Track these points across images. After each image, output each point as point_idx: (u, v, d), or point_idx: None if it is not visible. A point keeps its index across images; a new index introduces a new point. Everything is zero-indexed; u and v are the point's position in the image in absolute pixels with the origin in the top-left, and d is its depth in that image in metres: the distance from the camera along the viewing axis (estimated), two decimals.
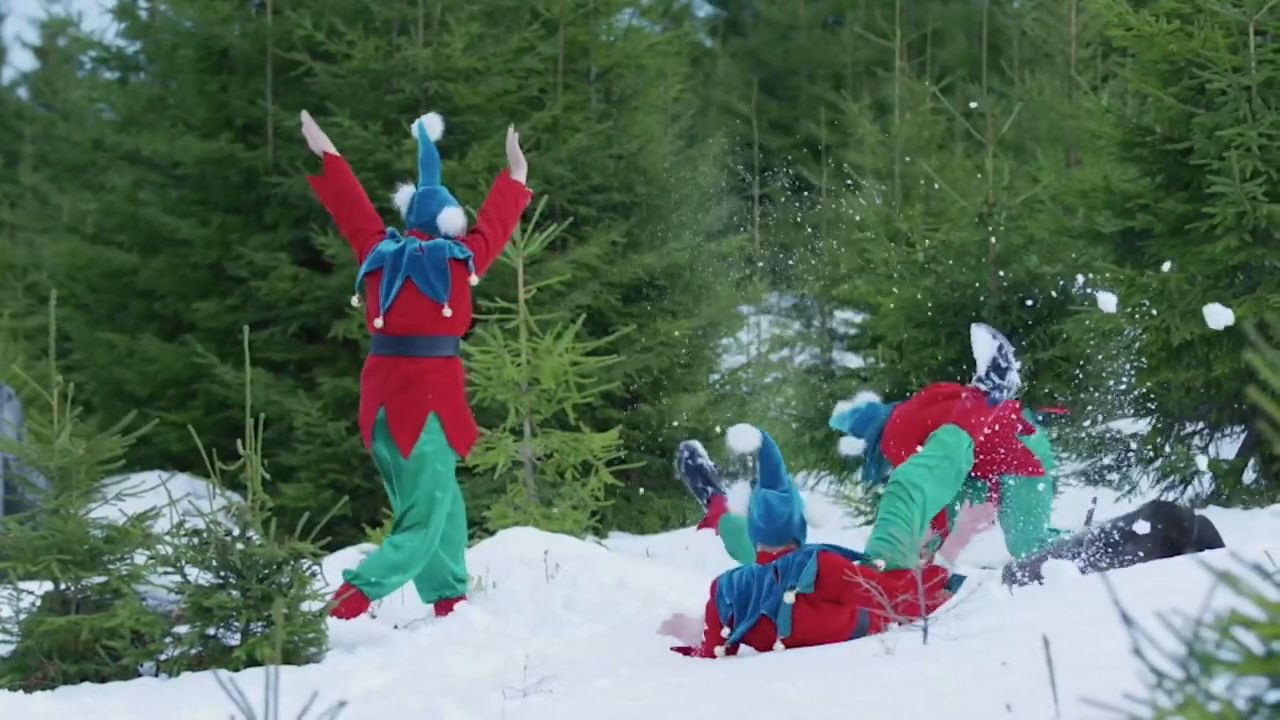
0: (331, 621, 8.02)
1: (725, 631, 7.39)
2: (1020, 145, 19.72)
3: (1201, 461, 10.66)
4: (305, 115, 9.23)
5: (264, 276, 16.40)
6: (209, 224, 16.99)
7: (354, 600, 8.43)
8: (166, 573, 7.85)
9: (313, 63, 16.31)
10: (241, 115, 17.10)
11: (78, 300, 17.74)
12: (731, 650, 7.45)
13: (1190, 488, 10.86)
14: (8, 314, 20.08)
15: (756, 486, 7.55)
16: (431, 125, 9.03)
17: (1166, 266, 10.20)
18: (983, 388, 8.27)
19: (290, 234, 16.61)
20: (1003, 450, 10.08)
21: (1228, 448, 11.04)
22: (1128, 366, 10.83)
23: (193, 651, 7.74)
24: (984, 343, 8.25)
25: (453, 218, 8.73)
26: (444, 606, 8.71)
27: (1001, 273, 11.65)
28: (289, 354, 16.42)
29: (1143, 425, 11.07)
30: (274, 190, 16.61)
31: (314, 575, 7.85)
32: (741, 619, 7.38)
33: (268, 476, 7.96)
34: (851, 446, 10.36)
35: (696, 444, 8.76)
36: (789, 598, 7.24)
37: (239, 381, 15.75)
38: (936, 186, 15.99)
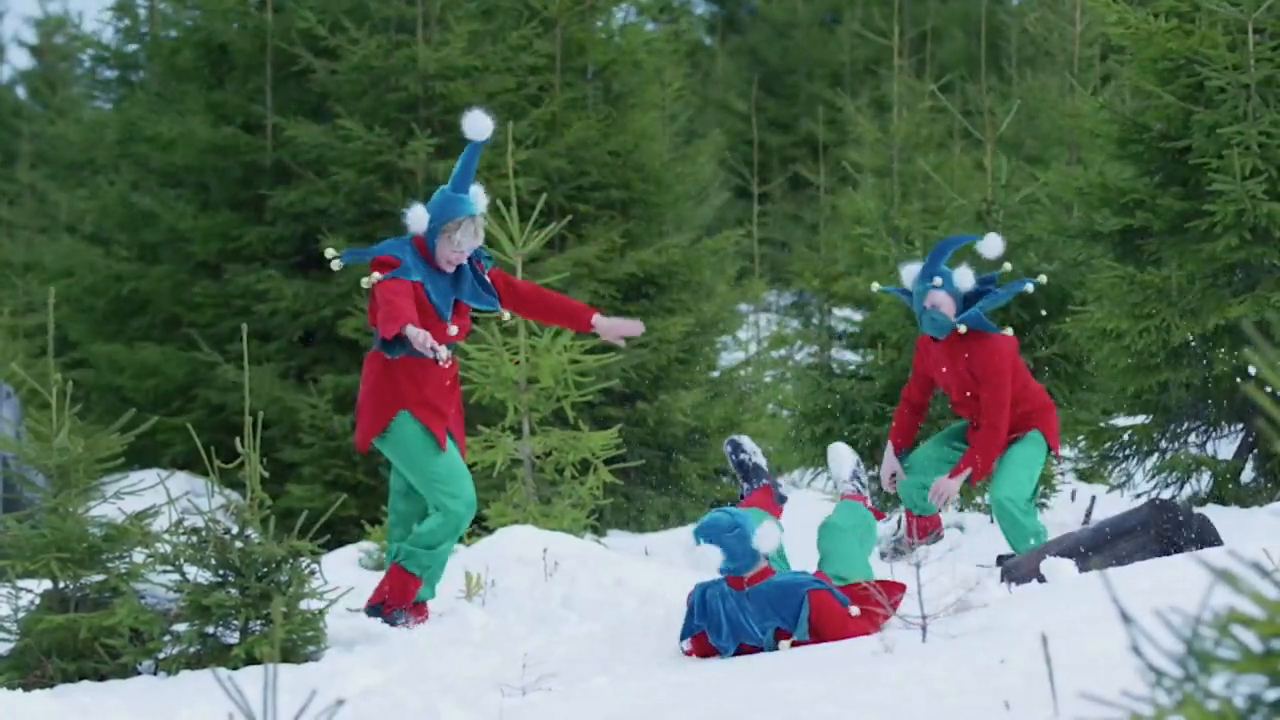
0: (330, 620, 8.00)
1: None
2: (1020, 143, 19.72)
3: (1199, 460, 10.66)
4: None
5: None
6: (209, 220, 16.95)
7: (405, 581, 8.34)
8: (165, 571, 7.85)
9: (313, 59, 16.29)
10: (240, 113, 17.07)
11: (76, 300, 17.71)
12: None
13: (1188, 486, 10.85)
14: (7, 311, 20.06)
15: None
16: (472, 126, 8.84)
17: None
18: (859, 488, 8.48)
19: (289, 231, 16.58)
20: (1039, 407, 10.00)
21: (1226, 446, 11.03)
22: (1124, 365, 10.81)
23: (191, 650, 7.74)
24: (844, 461, 8.61)
25: (413, 215, 8.49)
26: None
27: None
28: (289, 361, 16.38)
29: (1141, 423, 11.06)
30: (271, 193, 16.58)
31: (313, 573, 7.85)
32: (714, 637, 7.39)
33: (266, 475, 7.95)
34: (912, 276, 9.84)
35: (741, 439, 8.74)
36: (784, 646, 7.27)
37: (239, 379, 15.73)
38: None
